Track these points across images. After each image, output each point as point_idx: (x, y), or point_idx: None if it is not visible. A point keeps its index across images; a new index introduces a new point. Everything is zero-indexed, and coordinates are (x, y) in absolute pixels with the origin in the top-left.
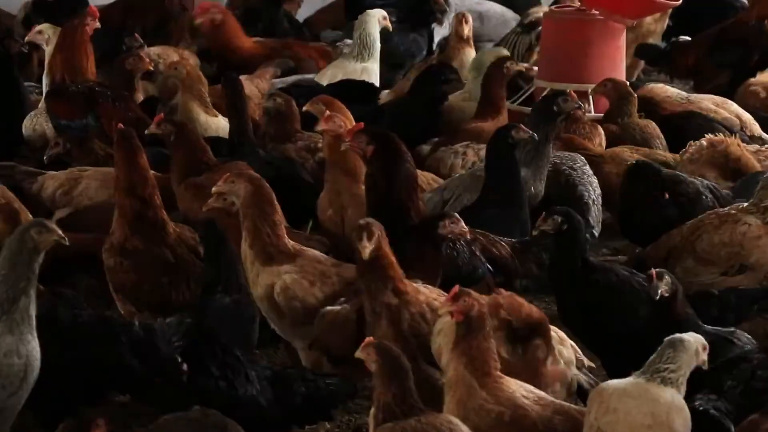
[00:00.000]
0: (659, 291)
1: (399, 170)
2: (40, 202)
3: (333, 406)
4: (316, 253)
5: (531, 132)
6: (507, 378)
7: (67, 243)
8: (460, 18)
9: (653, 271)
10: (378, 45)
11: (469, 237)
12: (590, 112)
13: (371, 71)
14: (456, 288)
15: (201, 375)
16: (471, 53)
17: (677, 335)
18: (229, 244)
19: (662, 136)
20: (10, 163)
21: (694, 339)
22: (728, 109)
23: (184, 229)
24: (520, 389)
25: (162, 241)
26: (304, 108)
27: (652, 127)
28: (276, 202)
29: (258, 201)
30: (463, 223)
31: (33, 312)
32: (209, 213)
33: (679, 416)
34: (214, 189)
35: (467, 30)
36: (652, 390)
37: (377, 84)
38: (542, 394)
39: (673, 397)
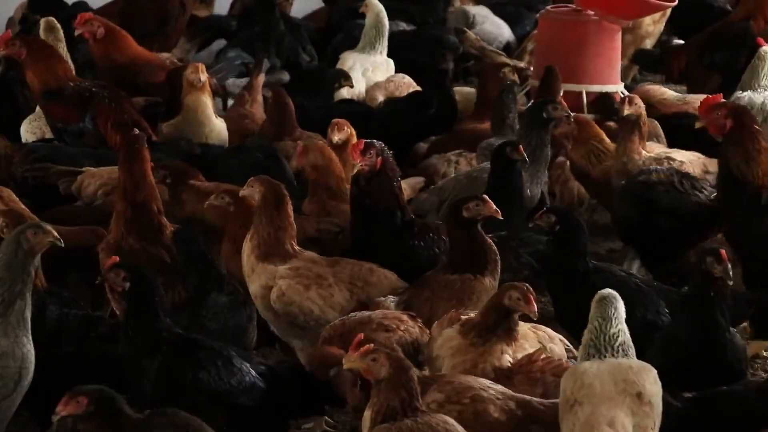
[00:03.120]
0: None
1: (395, 175)
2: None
3: (327, 400)
4: (312, 254)
5: (525, 157)
6: (460, 378)
7: (63, 244)
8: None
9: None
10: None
11: (501, 217)
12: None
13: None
14: (359, 336)
15: (195, 371)
16: None
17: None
18: (203, 252)
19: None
20: (44, 164)
21: (607, 292)
22: None
23: None
24: (479, 384)
25: (158, 241)
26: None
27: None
28: (288, 210)
29: (268, 205)
30: (492, 204)
31: (28, 315)
32: (210, 209)
33: (649, 375)
34: (241, 192)
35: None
36: (623, 362)
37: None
38: (503, 388)
39: (641, 362)
